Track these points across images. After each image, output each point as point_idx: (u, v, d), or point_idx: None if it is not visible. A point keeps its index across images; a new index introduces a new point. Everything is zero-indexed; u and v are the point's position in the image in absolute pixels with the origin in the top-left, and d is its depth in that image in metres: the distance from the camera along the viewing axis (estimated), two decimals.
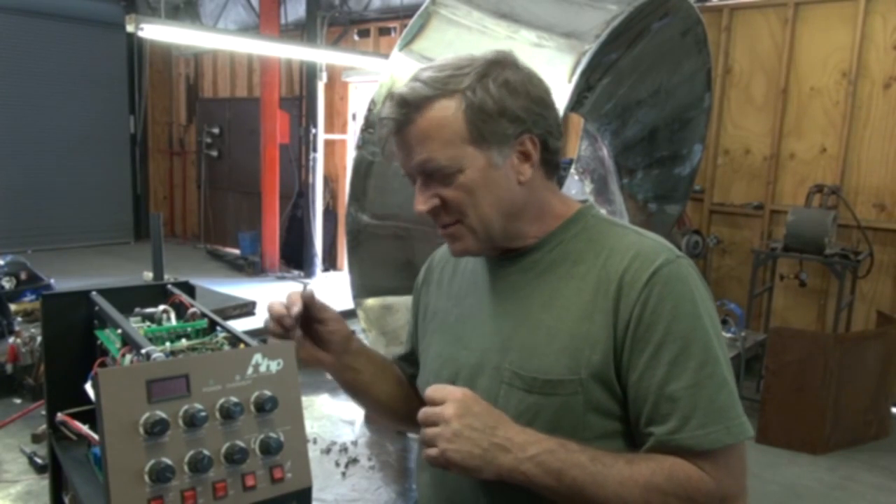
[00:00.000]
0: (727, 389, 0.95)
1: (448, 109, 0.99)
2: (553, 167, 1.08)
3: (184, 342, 0.99)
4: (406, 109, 1.00)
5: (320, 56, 6.54)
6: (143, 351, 0.87)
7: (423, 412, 0.96)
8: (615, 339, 0.97)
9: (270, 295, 6.64)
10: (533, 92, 1.02)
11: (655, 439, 0.94)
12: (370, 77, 6.88)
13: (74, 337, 1.12)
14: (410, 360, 1.29)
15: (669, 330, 0.94)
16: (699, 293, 0.98)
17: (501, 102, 0.99)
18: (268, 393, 0.82)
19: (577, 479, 0.91)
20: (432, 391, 0.97)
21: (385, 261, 2.19)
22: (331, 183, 7.95)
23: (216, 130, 9.19)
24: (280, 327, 1.05)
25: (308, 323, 1.10)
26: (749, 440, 0.97)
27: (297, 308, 1.04)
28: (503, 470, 0.92)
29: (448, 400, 0.94)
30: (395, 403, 1.23)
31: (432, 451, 0.93)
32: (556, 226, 1.07)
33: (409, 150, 1.02)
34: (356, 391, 1.17)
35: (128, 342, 0.97)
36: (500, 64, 1.01)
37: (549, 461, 0.92)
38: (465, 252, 1.07)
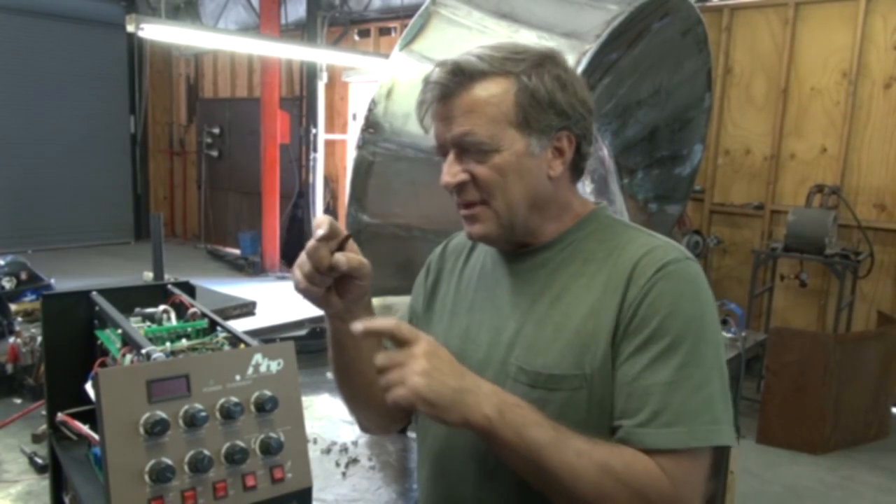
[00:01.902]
0: (705, 394, 0.93)
1: (500, 87, 1.00)
2: (579, 172, 1.09)
3: (184, 342, 0.99)
4: (459, 78, 1.00)
5: (320, 56, 6.54)
6: (144, 351, 0.87)
7: (387, 354, 0.91)
8: (616, 330, 0.97)
9: (271, 295, 6.64)
10: (580, 92, 1.04)
11: (623, 430, 0.94)
12: (370, 77, 6.88)
13: (75, 337, 1.12)
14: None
15: (661, 325, 0.94)
16: (702, 296, 0.97)
17: (552, 94, 1.00)
18: (268, 393, 0.82)
19: (536, 439, 0.90)
20: (398, 327, 0.93)
21: (385, 261, 2.18)
22: (331, 183, 7.95)
23: (216, 130, 9.19)
24: (316, 269, 0.98)
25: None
26: (724, 446, 0.94)
27: (322, 230, 0.97)
28: (468, 412, 0.89)
29: (418, 341, 0.92)
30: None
31: (399, 390, 0.88)
32: (571, 224, 1.08)
33: (449, 120, 1.01)
34: (346, 351, 1.09)
35: (128, 342, 0.96)
36: (554, 60, 1.03)
37: (513, 412, 0.91)
38: (484, 236, 1.06)
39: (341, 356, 1.10)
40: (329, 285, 1.02)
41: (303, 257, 1.00)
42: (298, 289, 1.02)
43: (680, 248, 1.02)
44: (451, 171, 1.02)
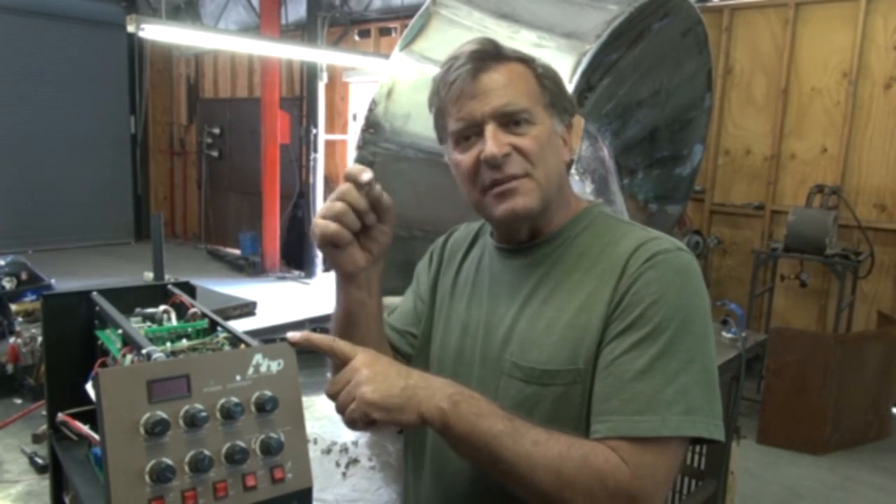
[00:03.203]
0: (680, 383, 0.91)
1: (522, 69, 1.04)
2: (568, 166, 1.12)
3: (184, 342, 0.99)
4: (486, 58, 1.02)
5: (321, 56, 6.54)
6: (144, 351, 0.87)
7: (332, 380, 0.91)
8: (606, 319, 0.97)
9: (271, 295, 6.64)
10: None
11: (594, 417, 0.94)
12: (371, 77, 6.88)
13: (75, 337, 1.12)
14: (402, 335, 1.24)
15: (645, 313, 0.94)
16: (691, 287, 0.96)
17: (562, 84, 1.08)
18: (268, 393, 0.82)
19: (492, 428, 0.88)
20: (335, 343, 0.92)
21: (385, 261, 2.18)
22: (331, 183, 7.95)
23: (217, 130, 9.20)
24: (348, 219, 0.96)
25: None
26: (709, 441, 0.93)
27: (367, 175, 0.95)
28: (422, 406, 0.88)
29: (356, 353, 0.91)
30: None
31: (351, 407, 0.87)
32: (567, 221, 1.08)
33: (485, 95, 1.00)
34: (358, 326, 1.06)
35: (128, 342, 0.96)
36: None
37: (467, 402, 0.90)
38: (527, 209, 1.01)
39: (351, 333, 1.05)
40: (359, 229, 0.99)
41: (329, 203, 0.98)
42: (326, 233, 0.96)
43: (673, 241, 1.01)
44: (497, 144, 0.99)
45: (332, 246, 0.99)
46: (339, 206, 0.96)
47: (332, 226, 0.97)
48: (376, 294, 1.08)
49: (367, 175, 0.96)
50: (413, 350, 1.22)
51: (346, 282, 1.05)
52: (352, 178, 0.96)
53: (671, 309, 0.93)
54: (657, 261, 0.96)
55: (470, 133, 1.02)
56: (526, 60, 1.05)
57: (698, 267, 1.00)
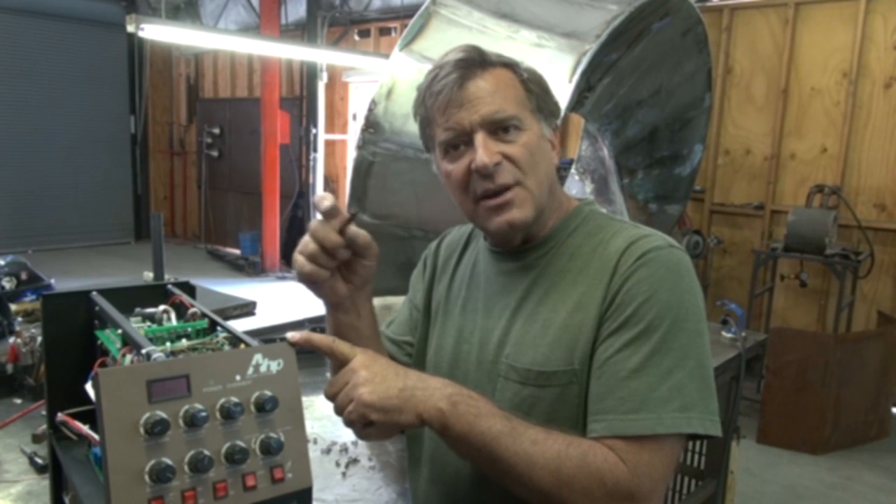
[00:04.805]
0: (674, 381, 0.91)
1: (508, 75, 1.03)
2: (563, 169, 1.12)
3: (184, 342, 0.99)
4: (472, 65, 1.01)
5: (321, 56, 6.54)
6: (144, 351, 0.87)
7: (331, 381, 0.92)
8: (599, 319, 0.97)
9: (271, 295, 6.64)
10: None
11: (590, 416, 0.94)
12: (371, 77, 6.88)
13: (75, 337, 1.12)
14: (399, 345, 1.24)
15: (637, 311, 0.93)
16: (684, 283, 0.96)
17: (548, 87, 1.06)
18: (268, 393, 0.82)
19: (491, 428, 0.89)
20: (334, 344, 0.92)
21: (385, 261, 2.18)
22: (331, 183, 7.96)
23: (216, 130, 9.20)
24: (324, 248, 0.95)
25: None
26: (705, 437, 0.93)
27: (328, 203, 0.93)
28: (420, 407, 0.88)
29: (354, 354, 0.92)
30: None
31: (349, 408, 0.88)
32: (558, 223, 1.08)
33: (473, 103, 0.99)
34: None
35: (128, 342, 0.96)
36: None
37: (466, 403, 0.90)
38: (522, 219, 1.01)
39: None
40: (335, 266, 0.99)
41: (305, 239, 0.97)
42: (303, 272, 0.97)
43: (664, 237, 1.01)
44: (487, 152, 0.98)
45: (310, 283, 0.99)
46: (312, 246, 0.96)
47: (308, 266, 0.97)
48: (366, 315, 1.07)
49: (326, 203, 0.94)
50: (410, 359, 1.22)
51: (333, 308, 1.05)
52: (316, 208, 0.96)
53: (663, 306, 0.93)
54: (649, 258, 0.96)
55: (459, 142, 1.01)
56: (511, 65, 1.04)
57: (690, 263, 1.00)
